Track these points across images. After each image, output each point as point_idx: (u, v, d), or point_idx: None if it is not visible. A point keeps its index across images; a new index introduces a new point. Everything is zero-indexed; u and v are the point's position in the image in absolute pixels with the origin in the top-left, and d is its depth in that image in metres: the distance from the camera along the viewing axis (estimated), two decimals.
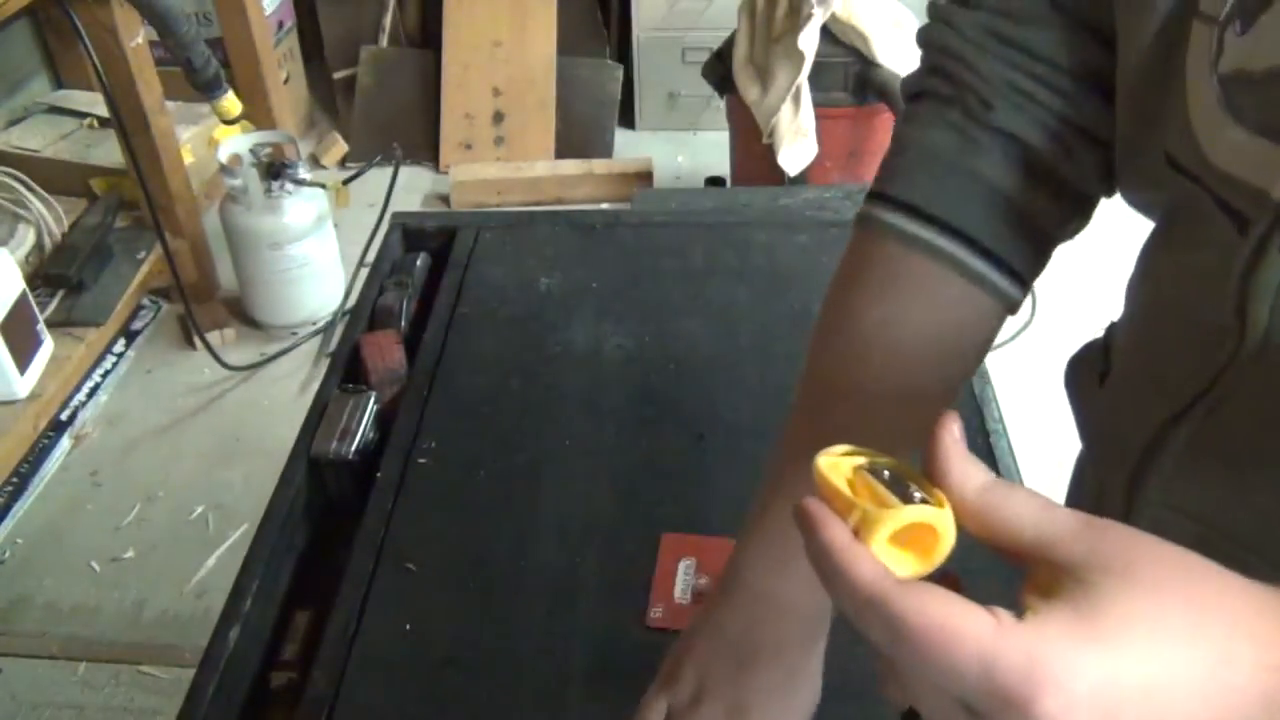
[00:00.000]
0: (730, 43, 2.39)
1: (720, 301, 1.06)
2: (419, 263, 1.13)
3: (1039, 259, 0.57)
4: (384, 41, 3.12)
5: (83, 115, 2.55)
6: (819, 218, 1.19)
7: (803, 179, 2.30)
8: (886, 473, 0.37)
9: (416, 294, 1.10)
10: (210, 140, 2.61)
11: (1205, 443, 0.47)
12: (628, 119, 3.23)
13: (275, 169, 2.25)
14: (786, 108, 2.23)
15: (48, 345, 2.03)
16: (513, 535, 0.82)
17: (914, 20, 2.32)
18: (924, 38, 0.57)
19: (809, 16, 2.17)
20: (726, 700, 0.59)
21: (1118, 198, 0.54)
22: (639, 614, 0.76)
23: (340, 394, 0.94)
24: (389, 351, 0.98)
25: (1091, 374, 0.63)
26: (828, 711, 0.62)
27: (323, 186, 2.32)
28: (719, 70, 2.45)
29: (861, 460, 0.39)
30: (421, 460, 0.89)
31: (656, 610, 0.76)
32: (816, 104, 2.26)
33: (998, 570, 0.35)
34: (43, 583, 1.91)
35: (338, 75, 3.18)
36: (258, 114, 2.61)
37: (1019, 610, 0.32)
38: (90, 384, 2.29)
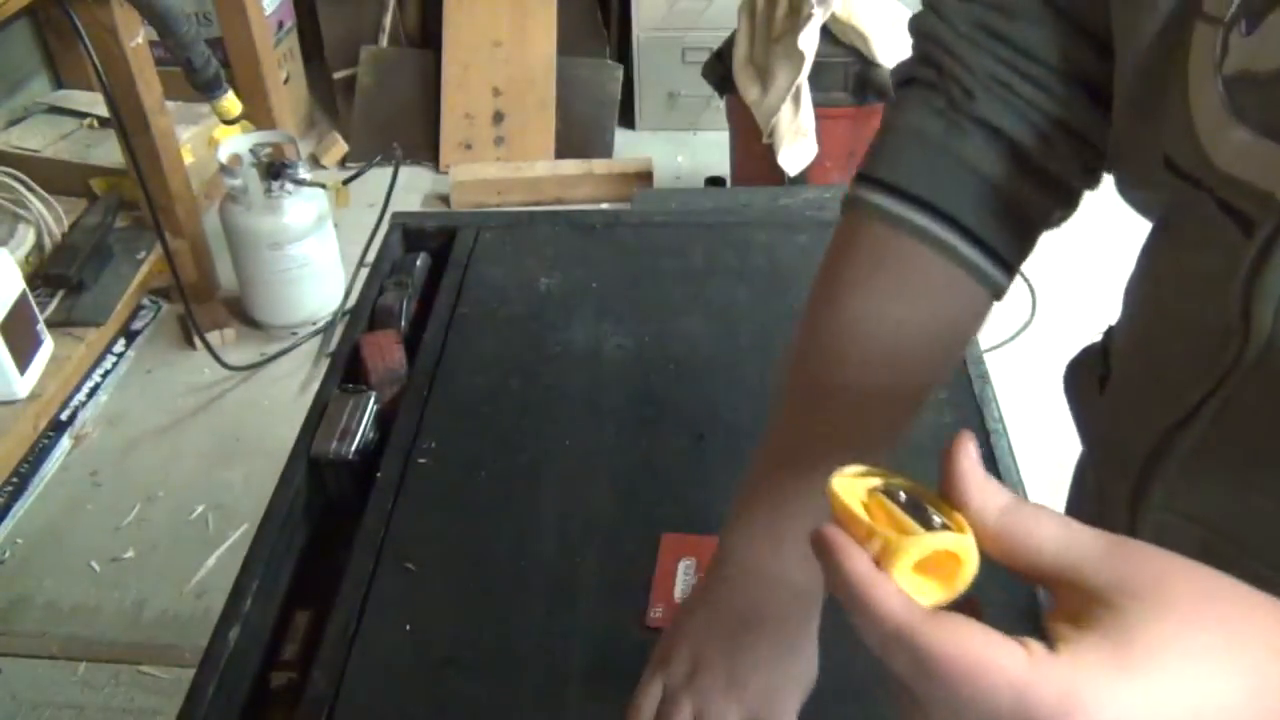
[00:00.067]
0: (730, 43, 2.39)
1: (720, 301, 1.06)
2: (419, 263, 1.13)
3: (1024, 246, 0.57)
4: (384, 41, 3.12)
5: (83, 115, 2.55)
6: (819, 218, 1.19)
7: (803, 179, 2.30)
8: (903, 495, 0.36)
9: (416, 294, 1.10)
10: (210, 140, 2.61)
11: (1210, 447, 0.47)
12: (628, 119, 3.23)
13: (275, 169, 2.25)
14: (786, 108, 2.23)
15: (48, 345, 2.03)
16: (513, 535, 0.82)
17: None
18: (915, 26, 0.57)
19: (809, 16, 2.17)
20: (722, 673, 0.58)
21: (1117, 196, 0.54)
22: (639, 614, 0.76)
23: (340, 394, 0.93)
24: (389, 351, 0.98)
25: (1091, 378, 0.63)
26: (828, 711, 0.62)
27: (323, 186, 2.32)
28: (719, 70, 2.45)
29: (876, 482, 0.38)
30: (421, 460, 0.89)
31: (656, 610, 0.76)
32: (816, 104, 2.26)
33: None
34: (43, 583, 1.91)
35: (338, 75, 3.18)
36: (258, 114, 2.61)
37: (1049, 640, 0.32)
38: (90, 384, 2.29)
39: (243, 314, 2.50)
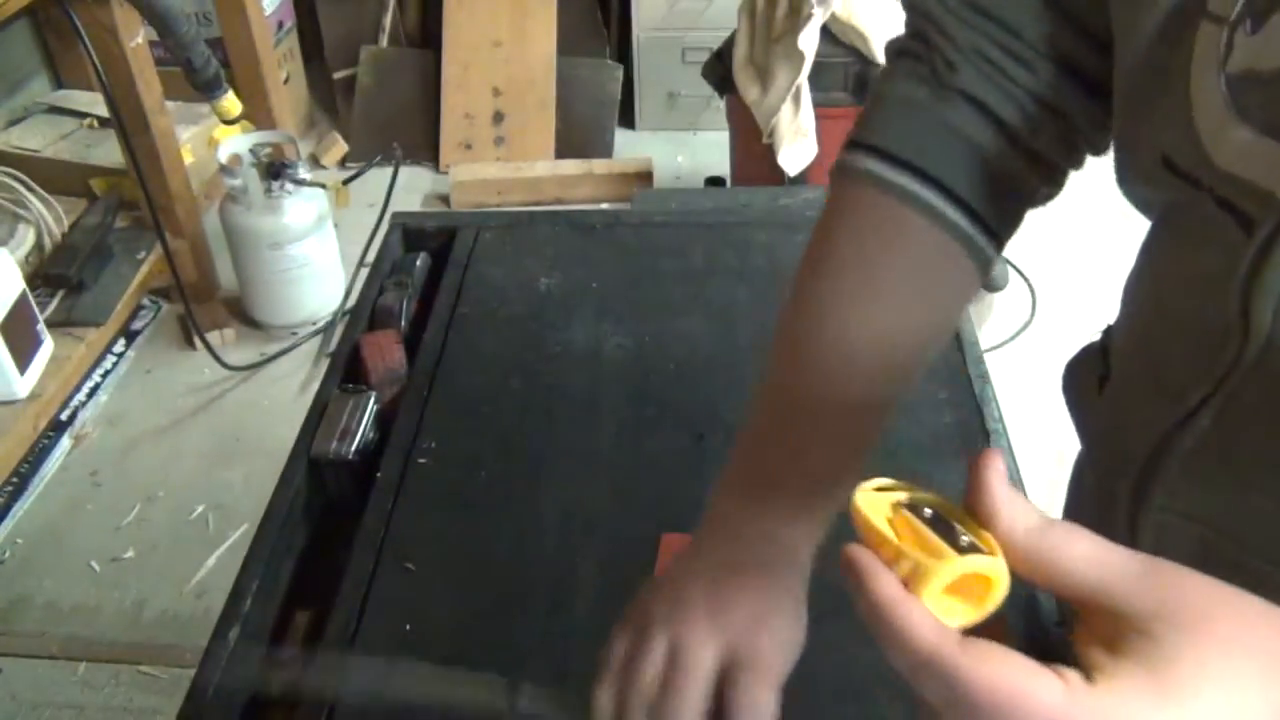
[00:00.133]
0: (730, 43, 2.39)
1: (720, 301, 1.06)
2: (419, 263, 1.13)
3: (1010, 219, 0.57)
4: (384, 41, 3.12)
5: (83, 115, 2.55)
6: (819, 218, 1.19)
7: (803, 179, 2.30)
8: (928, 511, 0.36)
9: (416, 294, 1.10)
10: (210, 140, 2.61)
11: (1210, 447, 0.47)
12: (628, 119, 3.23)
13: (275, 169, 2.25)
14: (786, 108, 2.23)
15: (48, 345, 2.03)
16: (513, 535, 0.82)
17: None
18: (908, 0, 0.58)
19: (809, 16, 2.17)
20: (703, 606, 0.54)
21: (1116, 196, 0.54)
22: None
23: (340, 394, 0.93)
24: (389, 351, 0.98)
25: (1090, 378, 0.63)
26: (828, 711, 0.62)
27: (323, 186, 2.32)
28: (719, 70, 2.45)
29: (901, 496, 0.37)
30: (421, 460, 0.89)
31: None
32: (816, 104, 2.26)
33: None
34: (43, 583, 1.91)
35: (338, 75, 3.18)
36: (258, 114, 2.61)
37: (1083, 667, 0.31)
38: (90, 384, 2.29)
39: (243, 314, 2.50)
